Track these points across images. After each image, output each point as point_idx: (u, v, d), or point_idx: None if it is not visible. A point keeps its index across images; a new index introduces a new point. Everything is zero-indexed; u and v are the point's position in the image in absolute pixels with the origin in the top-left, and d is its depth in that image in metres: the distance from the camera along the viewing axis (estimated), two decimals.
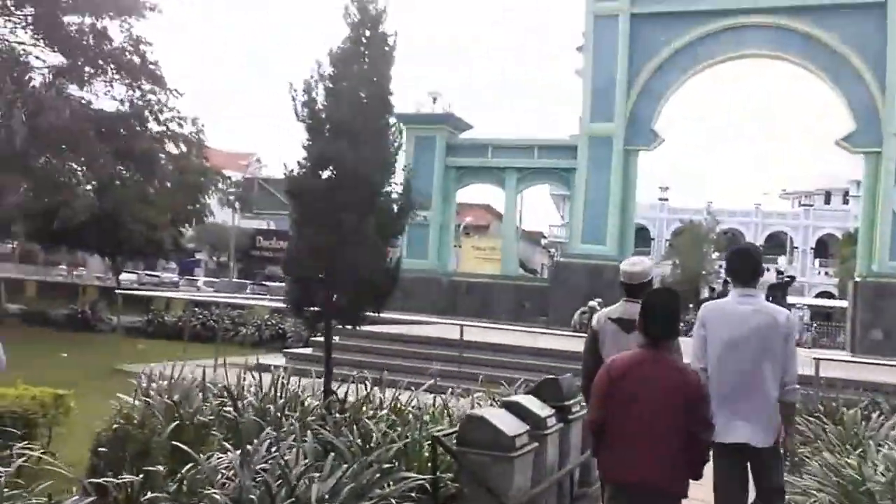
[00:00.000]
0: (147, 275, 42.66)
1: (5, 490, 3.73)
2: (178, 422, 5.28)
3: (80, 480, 4.29)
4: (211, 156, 28.96)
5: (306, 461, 4.45)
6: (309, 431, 5.02)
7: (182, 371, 6.83)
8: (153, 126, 20.88)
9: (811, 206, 64.45)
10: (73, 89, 19.81)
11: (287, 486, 4.00)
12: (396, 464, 4.86)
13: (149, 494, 4.03)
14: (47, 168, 18.07)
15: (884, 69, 20.79)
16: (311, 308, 6.40)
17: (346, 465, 4.46)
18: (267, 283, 42.18)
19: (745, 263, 4.04)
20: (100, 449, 4.90)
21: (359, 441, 5.20)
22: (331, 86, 6.71)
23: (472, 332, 11.45)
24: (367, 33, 6.72)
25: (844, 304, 29.73)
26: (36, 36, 19.94)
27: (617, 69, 23.29)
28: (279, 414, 5.97)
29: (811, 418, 7.38)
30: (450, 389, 7.29)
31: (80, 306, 19.66)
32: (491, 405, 6.43)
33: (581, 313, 16.71)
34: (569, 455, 5.86)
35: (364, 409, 6.42)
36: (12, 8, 19.68)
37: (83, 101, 19.23)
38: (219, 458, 4.58)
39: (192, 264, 51.83)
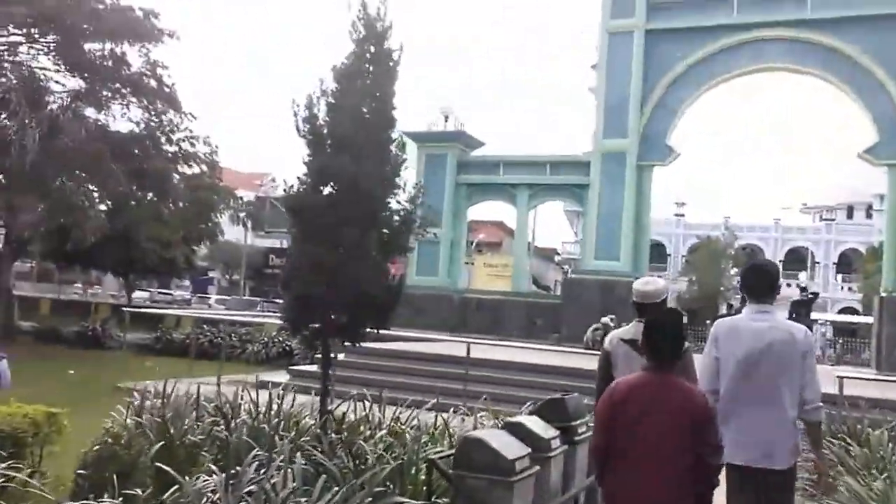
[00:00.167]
0: (160, 293, 42.88)
1: None
2: (164, 442, 5.12)
3: (60, 502, 4.14)
4: (226, 176, 29.15)
5: (294, 484, 4.26)
6: (299, 453, 4.83)
7: (177, 388, 6.70)
8: (166, 147, 21.07)
9: (833, 220, 63.45)
10: (90, 112, 20.09)
11: None
12: (390, 487, 4.67)
13: None
14: (62, 189, 18.26)
15: None
16: (310, 325, 6.22)
17: (336, 489, 4.27)
18: (278, 301, 42.16)
19: (759, 279, 3.90)
20: (82, 470, 4.73)
21: (352, 463, 5.01)
22: (333, 101, 6.62)
23: (479, 350, 11.22)
24: (372, 49, 6.65)
25: (869, 320, 29.12)
26: (57, 62, 20.34)
27: (631, 85, 23.18)
28: (273, 434, 5.79)
29: (834, 440, 7.14)
30: (451, 409, 7.07)
31: (91, 324, 19.69)
32: (494, 425, 6.21)
33: (594, 330, 16.42)
34: (574, 478, 5.60)
35: (362, 428, 6.25)
36: (36, 36, 20.09)
37: (99, 123, 19.46)
38: (205, 481, 4.41)
39: (205, 283, 52.07)
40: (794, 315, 15.12)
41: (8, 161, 16.88)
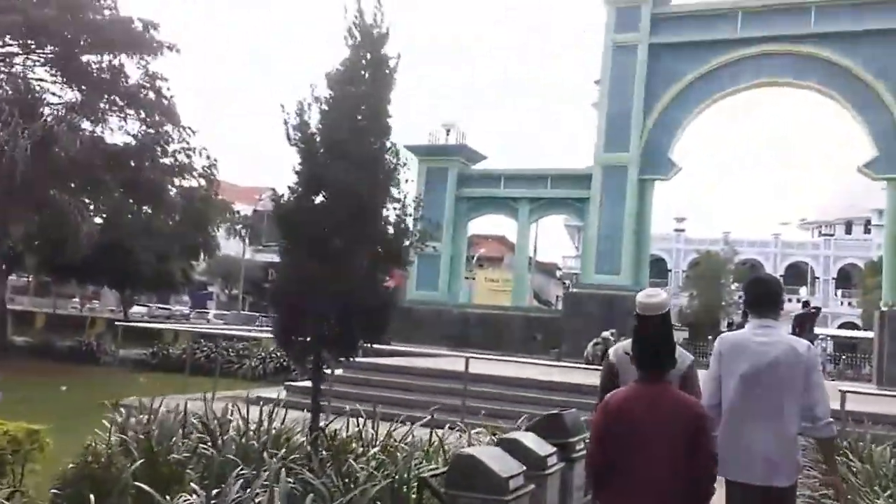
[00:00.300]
0: (158, 307, 42.66)
1: None
2: (144, 460, 4.94)
3: None
4: (225, 190, 29.03)
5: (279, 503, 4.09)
6: (283, 471, 4.64)
7: (168, 404, 6.52)
8: (162, 159, 20.96)
9: (832, 235, 63.44)
10: (87, 124, 19.99)
11: None
12: None
13: None
14: (55, 201, 18.09)
15: None
16: (300, 338, 6.05)
17: None
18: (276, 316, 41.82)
19: (763, 294, 3.86)
20: (57, 490, 4.55)
21: (342, 481, 4.83)
22: (326, 108, 6.50)
23: (478, 365, 11.04)
24: (368, 56, 6.53)
25: (869, 334, 28.93)
26: (54, 73, 20.25)
27: (633, 98, 23.22)
28: (262, 451, 5.61)
29: (837, 457, 6.86)
30: (447, 425, 6.88)
31: (86, 339, 19.49)
32: (489, 442, 6.04)
33: (594, 345, 16.19)
34: (572, 497, 5.42)
35: (354, 445, 6.07)
36: (33, 46, 20.03)
37: (93, 135, 19.35)
38: (186, 500, 4.23)
39: (204, 297, 51.85)
40: (797, 330, 14.92)
41: None
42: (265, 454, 5.52)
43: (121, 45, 20.24)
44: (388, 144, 6.67)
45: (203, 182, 22.68)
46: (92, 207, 19.97)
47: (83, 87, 19.64)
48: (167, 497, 4.19)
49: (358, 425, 6.50)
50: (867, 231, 62.05)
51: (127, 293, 26.29)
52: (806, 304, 19.74)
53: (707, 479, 3.05)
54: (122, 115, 21.00)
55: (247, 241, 39.36)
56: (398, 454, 5.58)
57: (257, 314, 44.33)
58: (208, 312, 43.22)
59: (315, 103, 6.47)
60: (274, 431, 6.21)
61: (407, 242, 6.96)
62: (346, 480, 4.94)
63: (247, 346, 17.77)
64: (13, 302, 31.85)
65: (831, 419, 3.69)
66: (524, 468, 4.56)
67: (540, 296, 48.89)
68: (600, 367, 4.85)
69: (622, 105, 23.31)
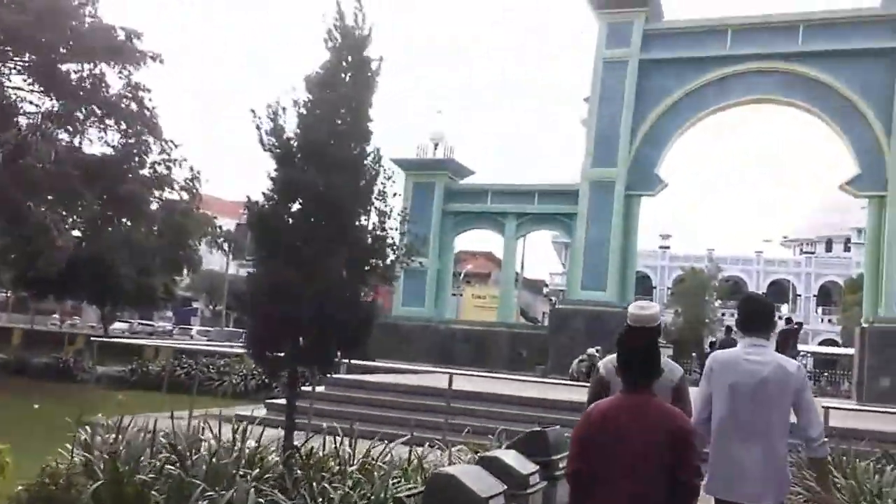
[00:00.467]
0: (140, 323, 42.01)
1: None
2: (108, 480, 4.69)
3: None
4: (211, 203, 28.64)
5: None
6: (253, 491, 4.41)
7: (141, 423, 6.27)
8: (141, 170, 20.64)
9: (813, 253, 64.04)
10: (65, 135, 19.63)
11: None
12: None
13: None
14: (29, 213, 17.65)
15: (890, 114, 20.75)
16: (274, 352, 5.83)
17: None
18: None
19: (755, 313, 3.88)
20: None
21: (315, 502, 4.61)
22: (304, 112, 6.32)
23: (462, 382, 10.83)
24: (350, 58, 6.37)
25: (848, 351, 28.99)
26: (31, 81, 19.87)
27: (622, 114, 23.24)
28: (234, 471, 5.37)
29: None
30: (427, 443, 6.68)
31: (65, 355, 19.05)
32: (470, 460, 5.83)
33: (579, 362, 16.05)
34: None
35: (331, 464, 5.84)
36: (10, 54, 19.67)
37: (70, 145, 18.99)
38: None
39: (188, 313, 51.22)
40: (781, 346, 14.91)
41: None
42: (236, 474, 5.30)
43: (101, 54, 19.91)
44: (370, 150, 6.50)
45: (185, 195, 22.35)
46: (67, 220, 19.52)
47: (61, 97, 19.26)
48: None
49: (335, 443, 6.28)
50: (847, 249, 62.70)
51: (107, 309, 25.80)
52: (788, 320, 19.75)
53: (690, 491, 3.00)
54: (102, 125, 20.65)
55: (230, 255, 38.93)
56: (375, 473, 5.36)
57: (241, 330, 43.44)
58: (192, 328, 42.66)
59: (293, 107, 6.30)
60: (248, 450, 5.97)
61: (393, 257, 6.78)
62: (321, 501, 4.73)
63: (228, 362, 17.42)
64: None
65: (825, 439, 3.71)
66: (504, 487, 4.39)
67: (527, 312, 48.76)
68: (585, 384, 4.75)
69: (611, 120, 23.33)
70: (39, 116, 18.56)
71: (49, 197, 18.31)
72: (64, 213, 19.21)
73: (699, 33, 23.27)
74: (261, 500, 4.50)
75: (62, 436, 6.85)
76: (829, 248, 66.24)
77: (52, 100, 19.95)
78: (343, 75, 6.36)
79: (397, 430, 7.64)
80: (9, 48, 19.33)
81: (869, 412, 11.72)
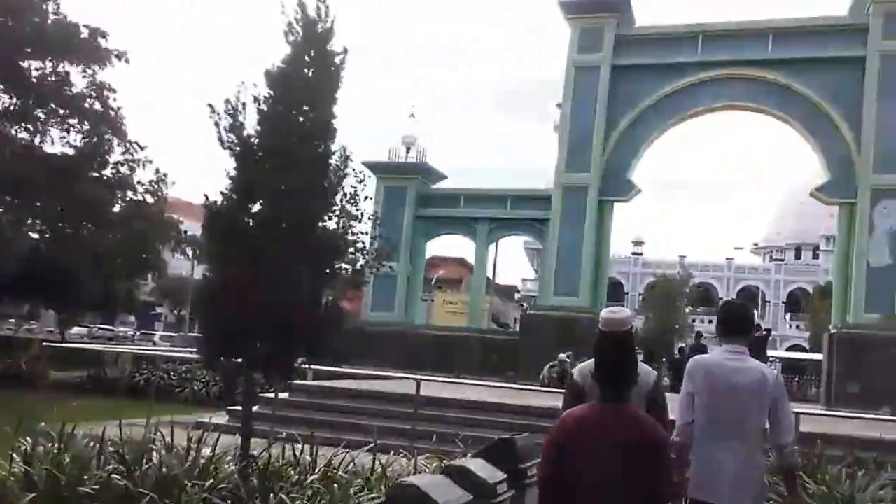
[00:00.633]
0: (100, 328, 40.99)
1: None
2: (49, 493, 4.37)
3: None
4: (180, 207, 27.93)
5: None
6: (204, 503, 4.14)
7: (80, 431, 5.93)
8: (104, 171, 20.14)
9: (782, 260, 65.03)
10: (24, 133, 19.06)
11: None
12: None
13: None
14: None
15: (860, 122, 20.98)
16: (229, 358, 5.54)
17: None
18: None
19: (736, 319, 3.97)
20: None
21: None
22: (265, 109, 6.06)
23: (431, 388, 10.59)
24: (312, 52, 6.13)
25: (816, 356, 29.31)
26: None
27: (595, 119, 23.27)
28: (185, 482, 5.08)
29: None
30: (392, 451, 6.44)
31: (17, 362, 18.34)
32: (436, 469, 5.61)
33: (550, 367, 15.87)
34: None
35: (292, 473, 5.57)
36: None
37: (29, 144, 18.42)
38: None
39: (152, 318, 50.28)
40: (752, 352, 14.98)
41: None
42: (187, 485, 5.01)
43: (65, 52, 19.45)
44: (335, 148, 6.26)
45: (149, 198, 21.81)
46: (27, 221, 18.90)
47: (21, 94, 18.71)
48: None
49: (296, 451, 6.01)
50: (815, 256, 63.78)
51: (62, 315, 25.03)
52: (757, 327, 19.91)
53: (664, 500, 2.99)
54: (65, 125, 20.15)
55: (196, 260, 38.23)
56: (335, 483, 5.11)
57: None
58: (154, 334, 41.83)
59: (253, 103, 6.05)
60: (202, 459, 5.67)
61: (363, 262, 6.54)
62: None
63: (190, 368, 16.94)
64: None
65: (796, 447, 3.80)
66: (470, 497, 4.17)
67: (499, 318, 48.67)
68: (556, 391, 4.66)
69: (583, 126, 23.33)
70: None
71: (7, 198, 17.72)
72: (20, 213, 18.60)
73: (670, 40, 23.39)
74: None
75: (2, 446, 6.49)
76: (798, 256, 67.34)
77: (11, 97, 19.38)
78: (306, 70, 6.14)
79: (363, 437, 7.39)
80: None
81: (839, 417, 11.71)
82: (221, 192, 5.99)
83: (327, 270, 6.18)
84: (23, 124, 18.38)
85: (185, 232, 24.36)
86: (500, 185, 29.38)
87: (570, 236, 23.12)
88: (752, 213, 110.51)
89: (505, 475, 4.81)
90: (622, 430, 2.93)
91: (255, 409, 11.21)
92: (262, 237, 5.76)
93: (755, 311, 57.23)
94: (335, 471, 5.70)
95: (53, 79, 19.79)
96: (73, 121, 20.40)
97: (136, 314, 44.99)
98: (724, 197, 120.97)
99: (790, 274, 62.68)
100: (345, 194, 6.53)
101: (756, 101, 22.67)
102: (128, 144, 20.91)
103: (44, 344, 17.30)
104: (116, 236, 20.93)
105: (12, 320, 40.38)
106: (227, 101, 5.82)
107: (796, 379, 35.37)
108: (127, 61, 20.97)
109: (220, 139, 5.96)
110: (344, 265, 6.69)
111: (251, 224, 5.91)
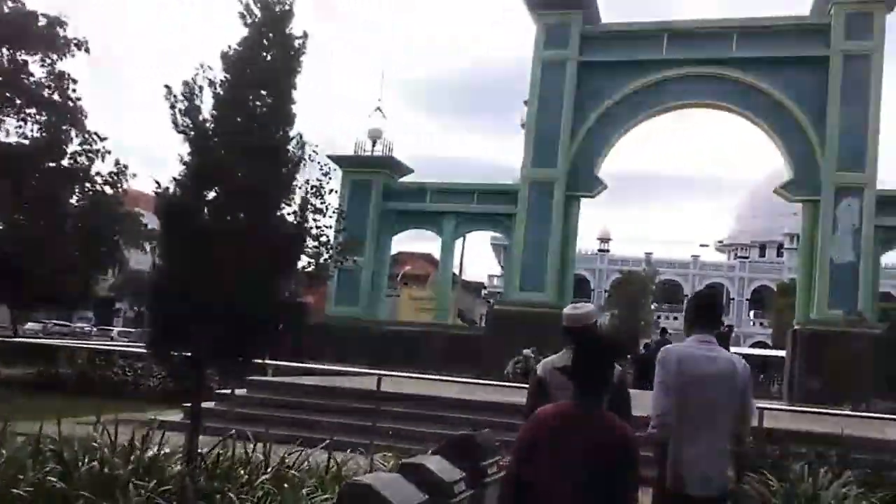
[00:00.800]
0: (56, 324, 39.90)
1: None
2: None
3: None
4: (144, 200, 27.17)
5: None
6: None
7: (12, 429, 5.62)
8: (62, 160, 19.55)
9: (747, 258, 66.04)
10: None
11: None
12: None
13: None
14: None
15: (823, 120, 21.27)
16: (178, 352, 5.28)
17: None
18: None
19: (707, 309, 4.00)
20: None
21: None
22: (221, 93, 5.81)
23: (393, 383, 10.40)
24: (271, 35, 5.89)
25: (780, 353, 29.75)
26: None
27: (562, 115, 23.25)
28: (128, 482, 4.82)
29: (755, 474, 6.75)
30: (349, 449, 6.24)
31: None
32: (394, 467, 5.43)
33: (515, 363, 15.81)
34: None
35: (242, 473, 5.34)
36: None
37: None
38: None
39: (111, 314, 49.20)
40: None
41: None
42: (129, 485, 4.76)
43: (22, 41, 18.84)
44: (293, 134, 6.04)
45: (108, 189, 21.16)
46: None
47: None
48: None
49: (246, 449, 5.77)
50: (780, 254, 64.94)
51: (16, 311, 24.20)
52: (721, 322, 20.21)
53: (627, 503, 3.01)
54: (21, 115, 19.54)
55: (155, 255, 37.41)
56: (285, 483, 4.89)
57: None
58: (113, 329, 40.87)
59: (209, 87, 5.79)
60: (147, 459, 5.41)
61: (327, 255, 6.31)
62: None
63: (147, 364, 16.47)
64: None
65: (750, 437, 4.03)
66: (426, 497, 3.98)
67: (465, 315, 48.60)
68: (520, 385, 4.57)
69: (550, 121, 23.29)
70: None
71: None
72: None
73: (636, 37, 23.48)
74: None
75: None
76: (762, 254, 68.50)
77: None
78: (264, 53, 5.90)
79: (322, 435, 7.16)
80: None
81: (802, 413, 11.80)
82: (174, 179, 5.72)
83: (284, 261, 5.96)
84: None
85: (146, 226, 23.70)
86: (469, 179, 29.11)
87: (537, 231, 23.09)
88: (719, 211, 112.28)
89: (464, 473, 4.64)
90: (594, 431, 2.94)
91: (212, 405, 10.96)
92: (216, 225, 5.52)
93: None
94: (288, 470, 5.48)
95: (11, 67, 19.17)
96: (31, 110, 19.80)
97: (96, 310, 43.95)
98: (690, 194, 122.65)
99: (754, 271, 63.72)
100: (310, 187, 6.28)
101: (721, 99, 22.87)
102: (86, 135, 20.31)
103: None
104: (74, 228, 20.28)
105: None
106: (186, 82, 5.56)
107: (762, 376, 35.90)
108: (87, 51, 20.39)
109: (175, 122, 5.70)
110: (307, 258, 6.44)
111: (205, 212, 5.66)
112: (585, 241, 55.97)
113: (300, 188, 6.16)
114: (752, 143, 60.75)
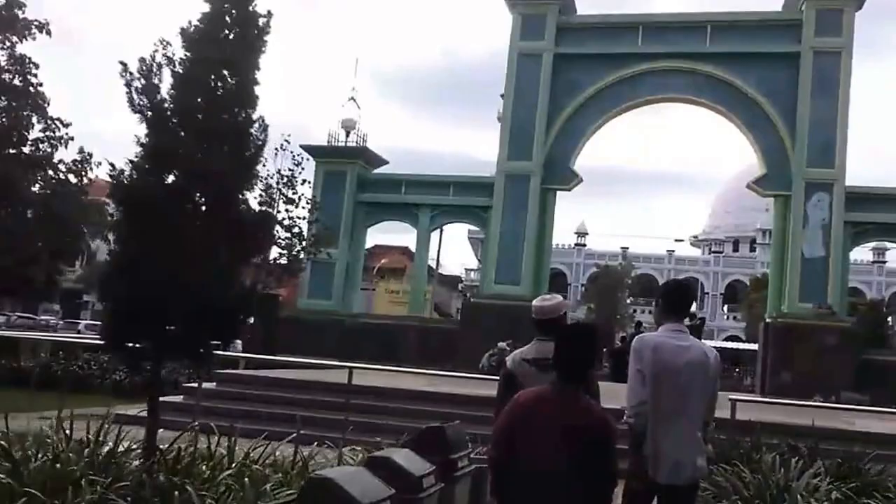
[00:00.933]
0: (20, 316, 38.97)
1: None
2: None
3: None
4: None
5: None
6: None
7: None
8: (23, 146, 18.97)
9: (721, 252, 66.75)
10: None
11: None
12: None
13: None
14: None
15: (794, 116, 21.43)
16: (132, 343, 5.05)
17: None
18: None
19: (680, 297, 4.06)
20: None
21: None
22: (180, 71, 5.56)
23: (365, 377, 10.21)
24: (233, 12, 5.65)
25: (752, 347, 30.05)
26: None
27: (538, 107, 23.19)
28: (81, 479, 4.59)
29: (728, 466, 6.74)
30: (316, 443, 6.05)
31: None
32: (361, 461, 5.26)
33: (489, 356, 15.70)
34: None
35: (204, 468, 5.13)
36: None
37: None
38: None
39: (78, 306, 48.22)
40: None
41: None
42: (83, 481, 4.53)
43: None
44: (256, 117, 5.82)
45: (72, 178, 20.56)
46: None
47: None
48: None
49: (209, 444, 5.56)
50: (753, 249, 65.78)
51: None
52: (692, 315, 20.30)
53: (606, 486, 3.05)
54: None
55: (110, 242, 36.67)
56: (247, 479, 4.69)
57: None
58: (80, 322, 40.06)
59: (168, 65, 5.54)
60: (103, 454, 5.17)
61: (299, 247, 6.09)
62: None
63: (113, 357, 16.07)
64: None
65: (713, 424, 4.18)
66: (392, 491, 3.83)
67: (441, 308, 48.48)
68: (495, 378, 4.53)
69: (526, 114, 23.24)
70: None
71: None
72: None
73: (611, 30, 23.51)
74: None
75: None
76: (736, 248, 69.30)
77: None
78: (226, 31, 5.67)
79: (290, 428, 6.98)
80: None
81: (774, 404, 11.85)
82: (130, 161, 5.47)
83: (248, 249, 5.74)
84: None
85: (112, 216, 23.04)
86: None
87: (513, 224, 23.02)
88: (694, 207, 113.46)
89: (433, 466, 4.50)
90: (572, 416, 2.99)
91: (180, 399, 10.68)
92: (174, 210, 5.28)
93: (694, 303, 58.85)
94: (253, 464, 5.29)
95: None
96: None
97: (62, 302, 43.02)
98: (665, 190, 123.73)
99: (728, 266, 64.45)
100: (281, 176, 6.06)
101: (695, 93, 22.97)
102: (49, 121, 19.73)
103: None
104: (37, 217, 19.63)
105: None
106: (142, 59, 5.30)
107: (736, 370, 36.26)
108: (48, 33, 19.78)
109: (131, 101, 5.44)
110: (279, 249, 6.22)
111: (162, 196, 5.42)
112: (563, 236, 56.12)
113: (271, 177, 5.97)
114: (728, 138, 61.44)
